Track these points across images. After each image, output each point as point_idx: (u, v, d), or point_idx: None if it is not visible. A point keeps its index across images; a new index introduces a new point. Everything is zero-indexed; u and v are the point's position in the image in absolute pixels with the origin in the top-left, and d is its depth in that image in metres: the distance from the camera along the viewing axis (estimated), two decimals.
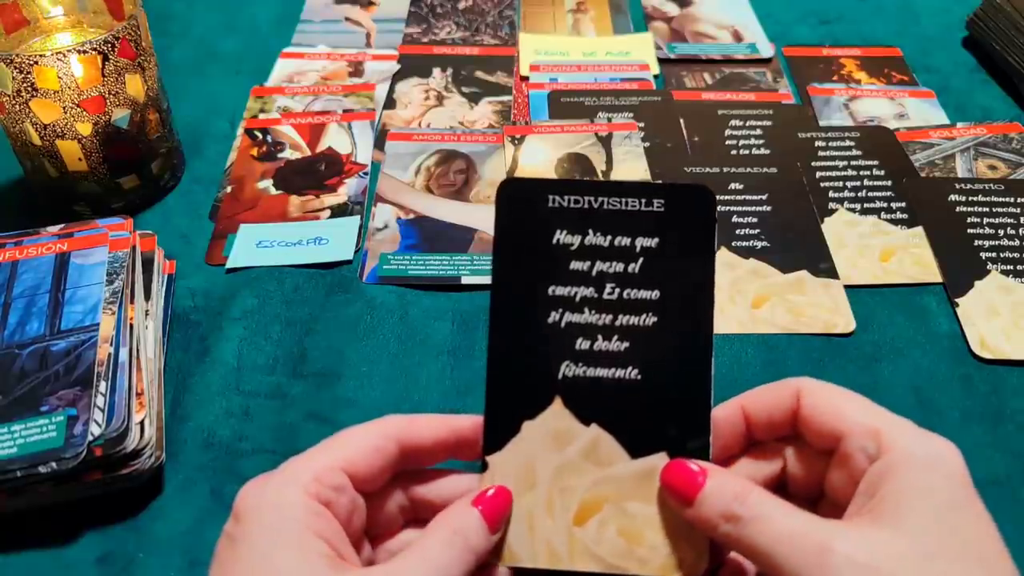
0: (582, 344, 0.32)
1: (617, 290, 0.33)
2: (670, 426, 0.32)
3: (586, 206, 0.33)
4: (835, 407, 0.30)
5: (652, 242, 0.33)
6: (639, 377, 0.32)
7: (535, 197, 0.33)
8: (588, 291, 0.33)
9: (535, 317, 0.33)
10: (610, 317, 0.33)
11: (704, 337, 0.32)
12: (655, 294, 0.33)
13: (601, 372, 0.32)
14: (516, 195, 0.33)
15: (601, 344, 0.32)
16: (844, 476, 0.30)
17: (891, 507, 0.27)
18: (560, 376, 0.32)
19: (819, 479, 0.32)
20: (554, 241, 0.33)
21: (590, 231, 0.33)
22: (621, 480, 0.32)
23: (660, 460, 0.32)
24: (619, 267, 0.33)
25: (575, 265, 0.33)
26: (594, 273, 0.33)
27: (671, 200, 0.33)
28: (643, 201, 0.33)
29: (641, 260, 0.33)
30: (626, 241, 0.33)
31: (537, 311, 0.33)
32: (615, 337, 0.32)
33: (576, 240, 0.33)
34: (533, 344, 0.33)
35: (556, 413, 0.32)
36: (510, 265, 0.33)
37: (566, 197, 0.33)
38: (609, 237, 0.33)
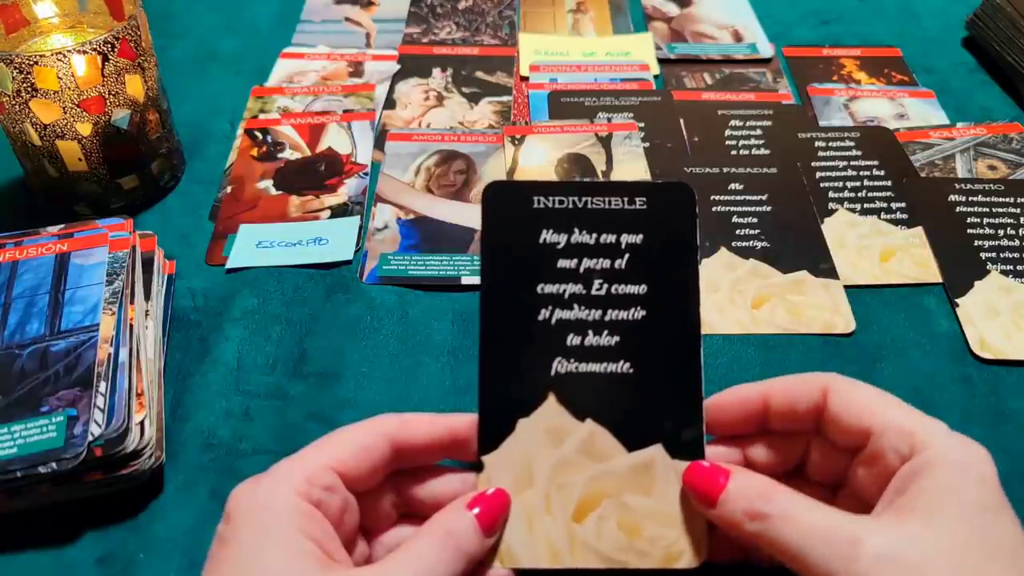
0: (573, 340, 0.33)
1: (605, 286, 0.33)
2: (664, 418, 0.32)
3: (571, 206, 0.34)
4: (867, 405, 0.31)
5: (637, 238, 0.33)
6: (631, 370, 0.33)
7: (520, 199, 0.34)
8: (576, 288, 0.33)
9: (525, 315, 0.33)
10: (599, 312, 0.33)
11: (692, 328, 0.33)
12: (642, 288, 0.33)
13: (593, 367, 0.33)
14: (501, 198, 0.34)
15: (592, 339, 0.33)
16: (872, 474, 0.30)
17: (922, 505, 0.27)
18: (553, 372, 0.33)
19: (838, 473, 0.32)
20: (541, 240, 0.33)
21: (576, 230, 0.33)
22: (618, 474, 0.32)
23: (656, 452, 0.32)
24: (606, 263, 0.33)
25: (563, 263, 0.33)
26: (582, 270, 0.33)
27: (653, 198, 0.34)
28: (626, 199, 0.34)
29: (627, 256, 0.33)
30: (611, 238, 0.33)
31: (527, 309, 0.33)
32: (605, 332, 0.33)
33: (562, 239, 0.33)
34: (525, 342, 0.33)
35: (550, 409, 0.33)
36: (499, 266, 0.33)
37: (551, 198, 0.34)
38: (595, 235, 0.33)
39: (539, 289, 0.33)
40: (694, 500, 0.31)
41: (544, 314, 0.33)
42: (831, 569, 0.26)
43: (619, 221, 0.33)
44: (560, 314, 0.33)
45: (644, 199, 0.33)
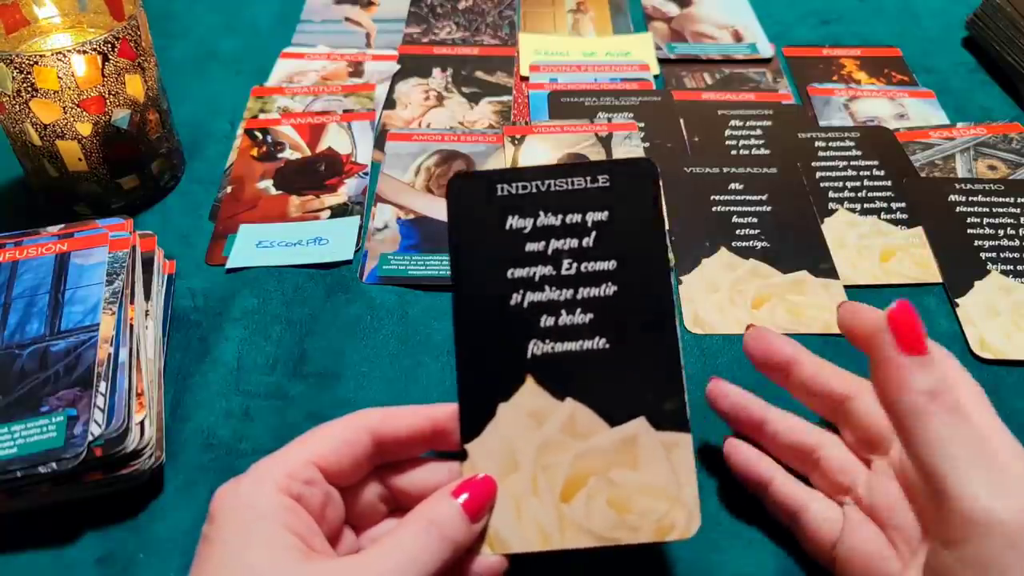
0: (547, 321, 0.33)
1: (574, 265, 0.33)
2: (645, 390, 0.33)
3: (534, 190, 0.34)
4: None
5: (602, 215, 0.34)
6: (607, 346, 0.33)
7: (484, 188, 0.34)
8: (546, 269, 0.33)
9: (498, 301, 0.33)
10: (571, 292, 0.33)
11: (665, 299, 0.33)
12: (611, 264, 0.33)
13: (569, 346, 0.33)
14: (465, 189, 0.34)
15: (565, 319, 0.33)
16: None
17: None
18: (529, 355, 0.33)
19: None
20: (507, 227, 0.34)
21: (541, 213, 0.34)
22: (603, 450, 0.32)
23: (640, 425, 0.32)
24: (573, 243, 0.34)
25: (531, 247, 0.34)
26: (550, 252, 0.34)
27: (615, 175, 0.34)
28: (588, 179, 0.34)
29: (594, 234, 0.34)
30: (577, 218, 0.34)
31: (499, 296, 0.33)
32: (578, 310, 0.33)
33: (528, 223, 0.34)
34: (499, 328, 0.33)
35: (530, 391, 0.33)
36: (467, 256, 0.34)
37: (514, 184, 0.34)
38: (560, 216, 0.34)
39: (509, 274, 0.33)
40: (894, 340, 0.30)
41: (516, 298, 0.33)
42: (974, 479, 0.27)
43: (584, 200, 0.34)
44: (532, 297, 0.33)
45: (607, 176, 0.34)
